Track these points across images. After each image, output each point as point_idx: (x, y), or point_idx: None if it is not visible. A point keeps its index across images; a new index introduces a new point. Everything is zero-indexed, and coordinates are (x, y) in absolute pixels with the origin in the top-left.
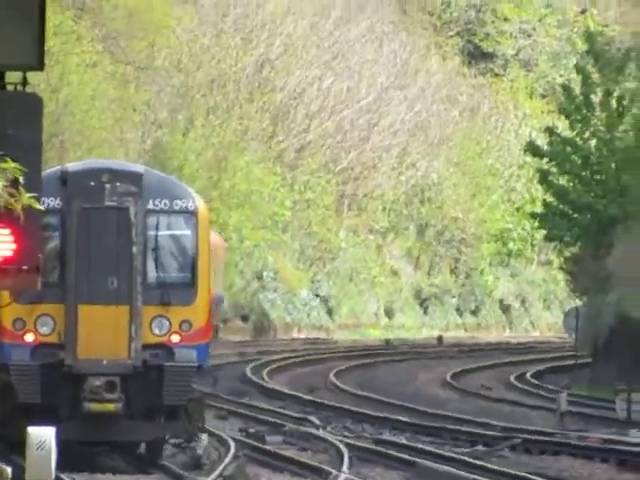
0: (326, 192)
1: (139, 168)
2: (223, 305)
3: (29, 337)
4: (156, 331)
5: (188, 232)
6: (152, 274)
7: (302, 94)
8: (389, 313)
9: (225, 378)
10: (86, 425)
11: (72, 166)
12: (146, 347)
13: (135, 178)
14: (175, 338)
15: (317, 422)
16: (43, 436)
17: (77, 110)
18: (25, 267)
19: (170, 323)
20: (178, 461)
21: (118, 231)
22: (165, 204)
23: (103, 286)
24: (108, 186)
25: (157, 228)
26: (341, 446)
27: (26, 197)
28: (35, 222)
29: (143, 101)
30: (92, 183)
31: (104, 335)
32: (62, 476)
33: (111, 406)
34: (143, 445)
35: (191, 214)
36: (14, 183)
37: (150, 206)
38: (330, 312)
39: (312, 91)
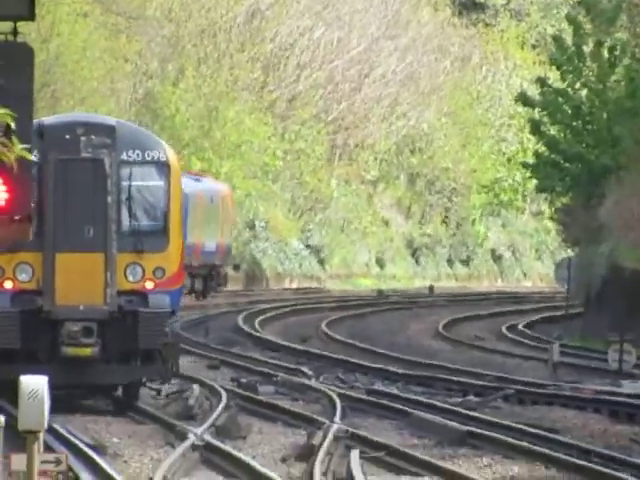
0: (317, 142)
1: (112, 120)
2: (231, 253)
3: (8, 284)
4: (130, 278)
5: (160, 182)
6: (126, 223)
7: (293, 44)
8: (380, 263)
9: (217, 328)
10: (64, 369)
11: (48, 120)
12: (121, 293)
13: (108, 130)
14: (149, 284)
15: (309, 372)
16: (35, 385)
17: (68, 60)
18: (17, 217)
19: (144, 270)
20: (170, 411)
21: (93, 182)
22: (138, 155)
23: (79, 235)
24: (83, 138)
25: (130, 178)
26: (334, 396)
27: (19, 147)
28: (27, 172)
29: (134, 51)
30: (67, 136)
31: (81, 282)
32: (55, 425)
33: (88, 350)
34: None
35: (163, 164)
36: (6, 132)
37: (123, 157)
38: (321, 262)
39: (303, 41)
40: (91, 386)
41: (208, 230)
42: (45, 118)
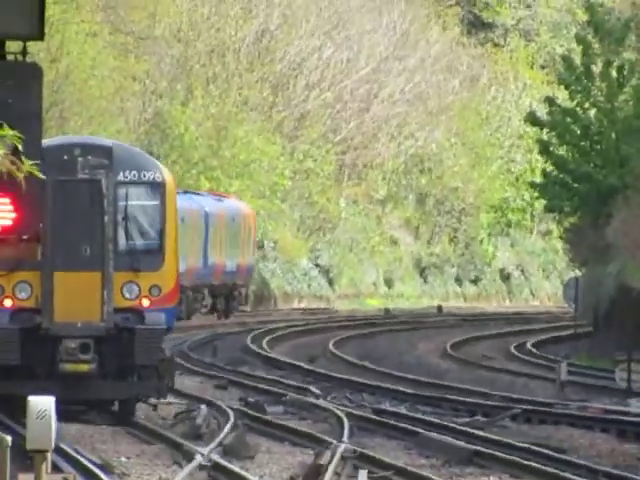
0: (326, 162)
1: (109, 142)
2: (253, 273)
3: (8, 302)
4: (127, 295)
5: (156, 202)
6: (122, 242)
7: (302, 64)
8: (389, 282)
9: (225, 348)
10: (62, 384)
11: (45, 141)
12: (118, 311)
13: (105, 152)
14: (145, 302)
15: (317, 392)
16: (43, 405)
17: (77, 79)
18: (25, 237)
19: (140, 288)
20: (178, 431)
21: (90, 202)
22: (134, 175)
23: (77, 254)
24: (80, 159)
25: (127, 199)
26: (342, 415)
27: (28, 165)
28: (35, 192)
29: (143, 71)
30: (65, 157)
31: (78, 300)
32: (62, 445)
33: (85, 366)
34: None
35: (158, 185)
36: (15, 151)
37: (120, 178)
38: (330, 282)
39: (312, 61)
40: (88, 401)
41: (230, 250)
42: (43, 140)
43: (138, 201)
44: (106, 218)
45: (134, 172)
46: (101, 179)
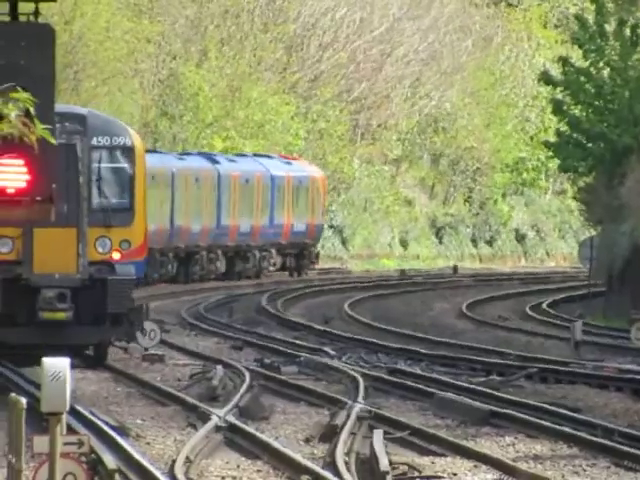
0: (339, 122)
1: (84, 110)
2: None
3: None
4: (100, 249)
5: (126, 165)
6: (96, 200)
7: (315, 24)
8: (404, 243)
9: (240, 309)
10: (41, 331)
11: None
12: (92, 263)
13: (80, 119)
14: (116, 255)
15: (332, 352)
16: (58, 367)
17: (91, 41)
18: (39, 198)
19: (111, 242)
20: (193, 392)
21: (67, 164)
22: (106, 141)
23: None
24: (58, 126)
25: (100, 161)
26: (356, 376)
27: (40, 128)
28: (48, 154)
29: (157, 32)
30: None
31: (56, 253)
32: (77, 407)
33: (62, 314)
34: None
35: (129, 149)
36: (27, 114)
37: (94, 142)
38: (344, 242)
39: (325, 21)
40: (65, 346)
41: (297, 211)
42: None
43: (110, 164)
44: (81, 179)
45: (106, 137)
46: (76, 143)
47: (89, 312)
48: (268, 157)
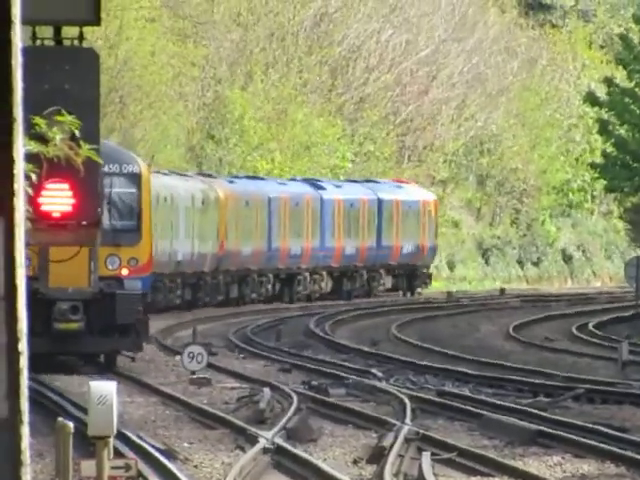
0: (386, 144)
1: None
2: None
3: None
4: (109, 266)
5: (134, 190)
6: (106, 222)
7: (361, 47)
8: (451, 265)
9: (288, 332)
10: (56, 340)
11: None
12: (102, 279)
13: None
14: (124, 271)
15: (380, 374)
16: (104, 391)
17: (136, 65)
18: (84, 222)
19: (120, 260)
20: (241, 415)
21: None
22: (116, 168)
23: None
24: None
25: (110, 186)
26: (404, 398)
27: (86, 149)
28: (94, 177)
29: (202, 56)
30: None
31: (69, 269)
32: (124, 431)
33: (75, 325)
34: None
35: (136, 176)
36: (72, 137)
37: (105, 169)
38: None
39: (371, 44)
40: (78, 354)
41: (407, 233)
42: None
43: (119, 189)
44: None
45: (116, 165)
46: None
47: (99, 323)
48: (377, 182)
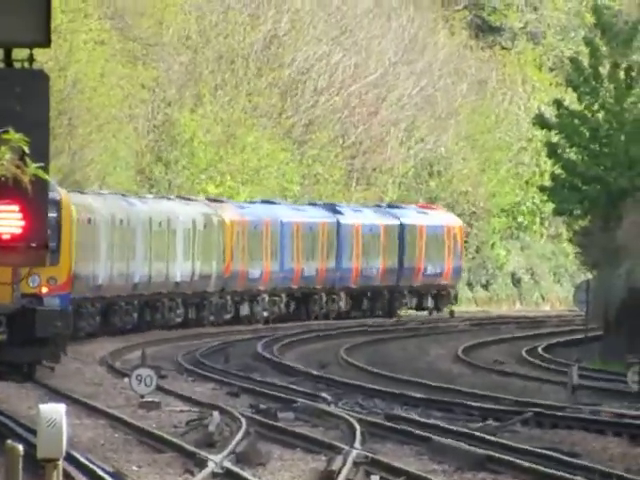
0: (335, 166)
1: None
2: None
3: None
4: (31, 284)
5: (54, 214)
6: None
7: (310, 70)
8: None
9: (237, 355)
10: None
11: None
12: (24, 296)
13: None
14: (44, 289)
15: (328, 398)
16: (54, 414)
17: (85, 87)
18: (33, 244)
19: (40, 279)
20: (190, 439)
21: None
22: None
23: None
24: None
25: None
26: (353, 422)
27: (33, 167)
28: (43, 198)
29: (152, 78)
30: None
31: None
32: (73, 453)
33: None
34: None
35: (56, 202)
36: (21, 157)
37: None
38: None
39: (320, 66)
40: (1, 363)
41: (431, 256)
42: None
43: None
44: None
45: None
46: None
47: (21, 336)
48: (399, 207)
